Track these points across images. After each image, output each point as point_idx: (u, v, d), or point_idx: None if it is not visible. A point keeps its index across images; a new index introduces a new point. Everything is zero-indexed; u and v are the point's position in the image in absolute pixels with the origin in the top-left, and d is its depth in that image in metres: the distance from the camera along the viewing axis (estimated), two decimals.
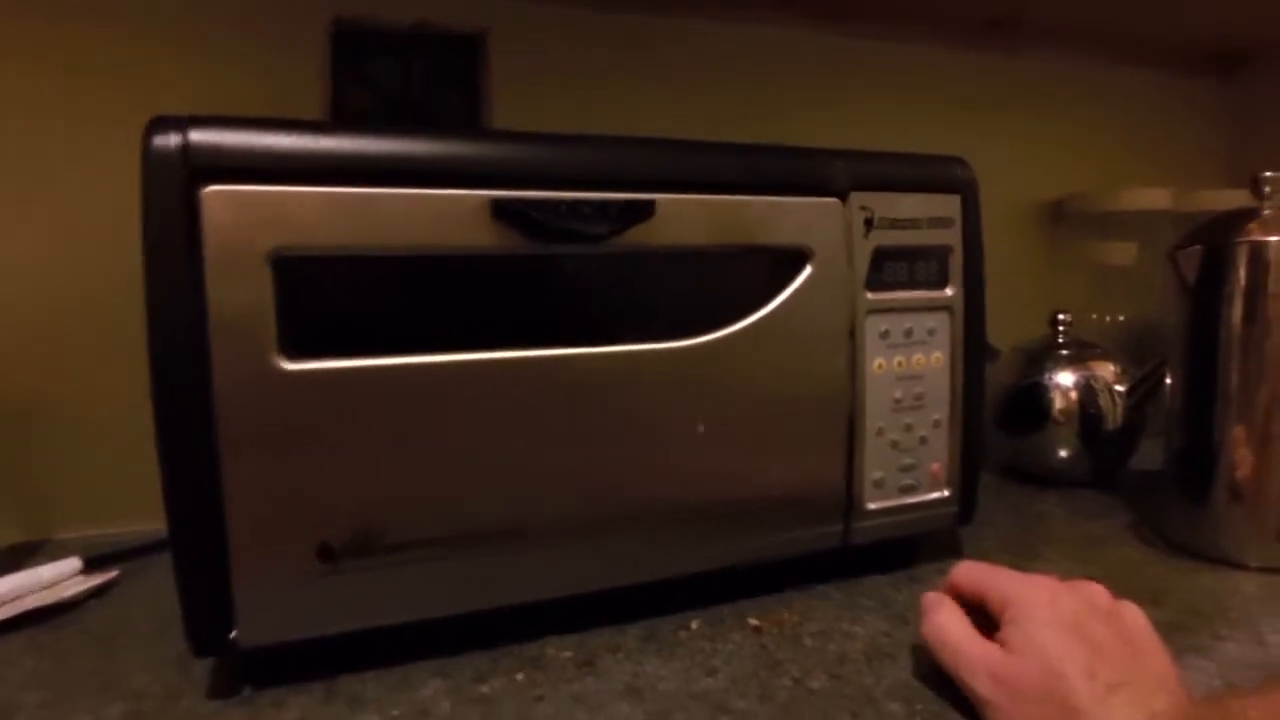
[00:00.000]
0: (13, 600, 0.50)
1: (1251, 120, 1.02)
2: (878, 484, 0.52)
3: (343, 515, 0.41)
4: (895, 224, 0.51)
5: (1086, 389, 0.71)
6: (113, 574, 0.55)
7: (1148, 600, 0.40)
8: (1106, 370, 0.72)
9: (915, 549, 0.57)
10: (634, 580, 0.47)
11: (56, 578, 0.54)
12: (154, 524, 0.64)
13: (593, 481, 0.45)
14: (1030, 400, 0.73)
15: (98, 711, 0.40)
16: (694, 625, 0.48)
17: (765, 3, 0.80)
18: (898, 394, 0.52)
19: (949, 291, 0.53)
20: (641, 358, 0.45)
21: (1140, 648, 0.35)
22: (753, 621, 0.48)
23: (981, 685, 0.35)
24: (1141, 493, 0.70)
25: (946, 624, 0.39)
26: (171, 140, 0.37)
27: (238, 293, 0.38)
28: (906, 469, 0.53)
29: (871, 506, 0.52)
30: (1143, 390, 0.70)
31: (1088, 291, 0.89)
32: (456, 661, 0.44)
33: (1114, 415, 0.71)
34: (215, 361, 0.38)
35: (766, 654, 0.45)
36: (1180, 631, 0.46)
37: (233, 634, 0.40)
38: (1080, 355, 0.73)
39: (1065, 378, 0.72)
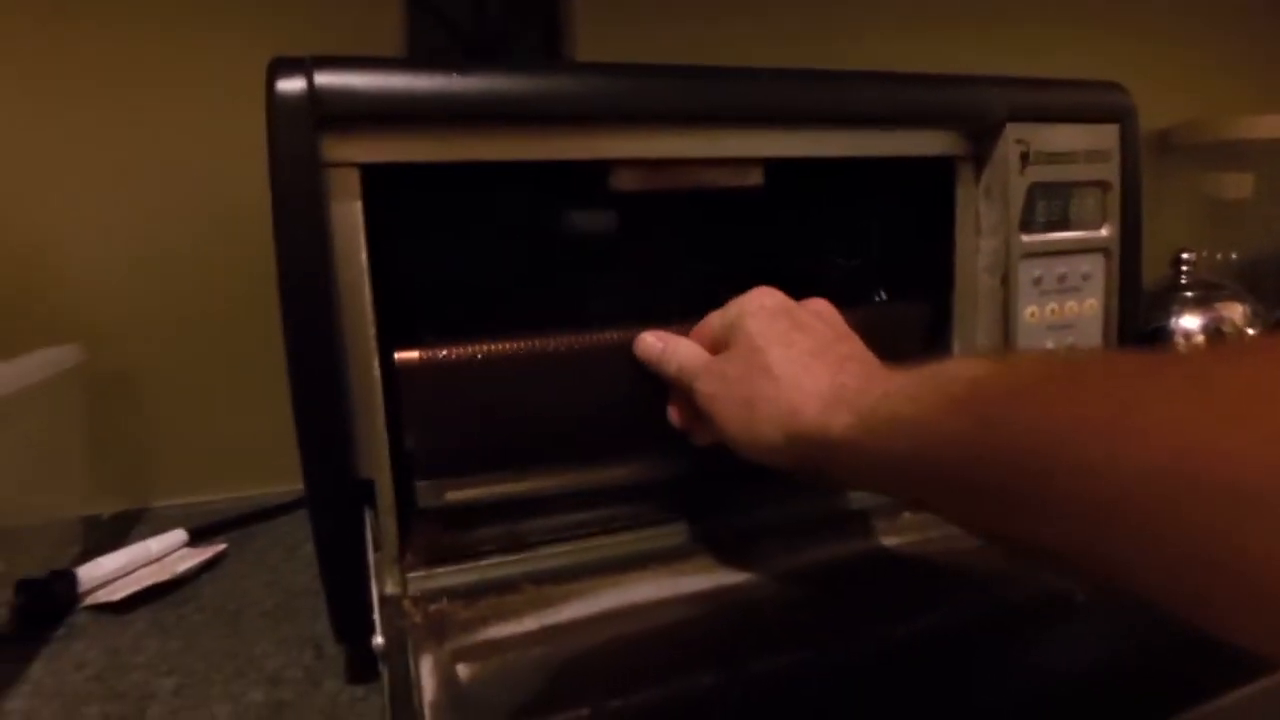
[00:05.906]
0: (126, 575, 0.49)
1: None
2: None
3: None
4: (1051, 159, 0.46)
5: (1216, 332, 0.67)
6: (221, 547, 0.53)
7: None
8: (1235, 312, 0.68)
9: None
10: None
11: (165, 550, 0.52)
12: (250, 490, 0.63)
13: None
14: (1155, 346, 0.69)
15: (239, 699, 0.38)
16: None
17: None
18: (1049, 344, 0.48)
19: (1104, 232, 0.49)
20: None
21: (840, 331, 0.37)
22: None
23: (702, 383, 0.36)
24: None
25: (678, 346, 0.39)
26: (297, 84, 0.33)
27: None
28: None
29: None
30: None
31: (1197, 227, 0.83)
32: None
33: None
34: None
35: None
36: None
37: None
38: (1207, 297, 0.68)
39: (1192, 321, 0.68)
